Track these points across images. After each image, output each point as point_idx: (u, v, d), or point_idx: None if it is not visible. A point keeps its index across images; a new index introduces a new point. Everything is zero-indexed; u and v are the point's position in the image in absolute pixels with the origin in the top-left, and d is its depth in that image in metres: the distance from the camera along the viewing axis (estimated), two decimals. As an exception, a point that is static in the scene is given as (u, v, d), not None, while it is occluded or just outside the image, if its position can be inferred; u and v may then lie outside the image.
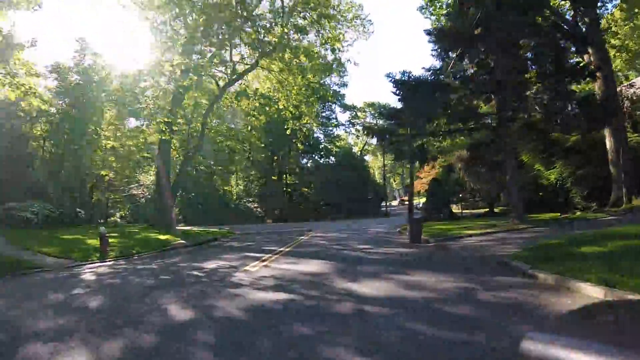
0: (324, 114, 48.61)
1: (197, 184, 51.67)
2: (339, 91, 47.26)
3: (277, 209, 46.51)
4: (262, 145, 35.67)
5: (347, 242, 15.38)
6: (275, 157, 48.49)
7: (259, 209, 48.48)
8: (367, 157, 66.98)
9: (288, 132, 28.48)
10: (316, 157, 47.88)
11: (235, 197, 50.56)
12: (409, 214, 27.01)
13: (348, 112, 51.71)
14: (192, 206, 50.99)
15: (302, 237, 18.18)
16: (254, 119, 33.11)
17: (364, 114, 57.61)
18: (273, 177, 48.96)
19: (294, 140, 29.44)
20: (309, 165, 51.41)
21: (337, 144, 50.83)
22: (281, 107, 27.05)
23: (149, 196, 57.51)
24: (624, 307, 1.49)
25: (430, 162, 19.44)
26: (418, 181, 60.15)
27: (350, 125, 51.20)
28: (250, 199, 50.49)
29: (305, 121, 27.20)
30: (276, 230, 26.54)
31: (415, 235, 13.87)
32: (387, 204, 53.49)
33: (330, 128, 50.38)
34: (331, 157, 48.58)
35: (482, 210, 35.25)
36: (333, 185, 47.52)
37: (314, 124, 27.27)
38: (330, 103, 46.41)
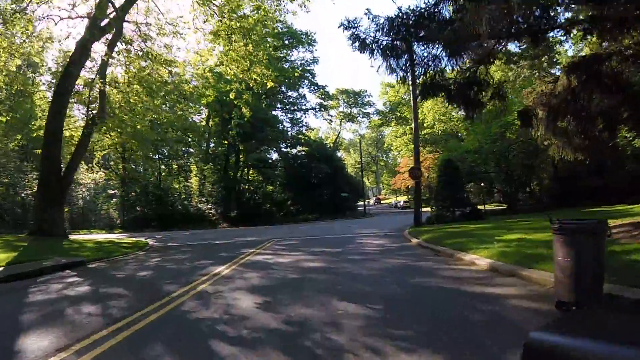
0: (291, 95, 37.73)
1: (138, 182, 39.96)
2: (308, 67, 36.41)
3: (232, 211, 35.13)
4: (202, 123, 24.47)
5: (334, 297, 4.57)
6: (235, 148, 37.03)
7: (211, 211, 37.00)
8: (341, 155, 56.55)
9: (232, 95, 17.55)
10: (282, 147, 36.83)
11: (183, 197, 38.70)
12: (416, 212, 16.44)
13: (319, 96, 40.84)
14: (131, 209, 39.37)
15: (220, 271, 7.11)
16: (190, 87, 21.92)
17: (336, 102, 47.20)
18: (230, 173, 37.61)
19: (235, 102, 18.47)
20: (274, 157, 40.34)
21: (306, 133, 39.89)
22: (226, 64, 16.32)
23: (87, 195, 46.02)
24: (626, 306, 1.40)
25: (486, 104, 8.80)
26: (398, 176, 50.15)
27: (322, 110, 40.32)
28: (203, 199, 38.93)
29: (255, 74, 16.25)
30: (216, 240, 15.79)
31: (587, 284, 3.29)
32: (367, 202, 43.22)
33: (299, 115, 39.46)
34: (298, 147, 37.73)
35: (492, 207, 25.41)
36: (303, 180, 36.87)
37: (268, 76, 16.37)
38: (298, 80, 35.44)
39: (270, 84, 17.26)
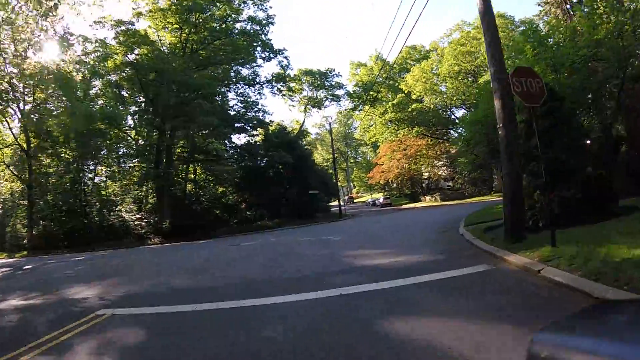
0: (241, 66, 27.32)
1: (55, 189, 28.79)
2: (261, 29, 26.16)
3: (165, 222, 24.25)
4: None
5: None
6: (167, 134, 26.08)
7: (140, 223, 25.95)
8: (306, 147, 46.51)
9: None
10: (226, 131, 26.32)
11: (101, 207, 27.32)
12: (516, 198, 6.66)
13: (280, 76, 30.63)
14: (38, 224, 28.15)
15: None
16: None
17: (299, 83, 37.29)
18: (159, 169, 26.43)
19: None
20: (225, 148, 29.82)
21: (261, 117, 29.59)
22: None
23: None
24: (632, 306, 1.10)
25: None
26: (376, 169, 41.01)
27: (280, 82, 30.12)
28: (131, 207, 27.86)
29: None
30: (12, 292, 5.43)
31: None
32: (343, 201, 33.74)
33: (252, 95, 29.15)
34: (252, 132, 27.50)
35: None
36: (260, 176, 26.83)
37: None
38: (247, 40, 25.06)
39: None
